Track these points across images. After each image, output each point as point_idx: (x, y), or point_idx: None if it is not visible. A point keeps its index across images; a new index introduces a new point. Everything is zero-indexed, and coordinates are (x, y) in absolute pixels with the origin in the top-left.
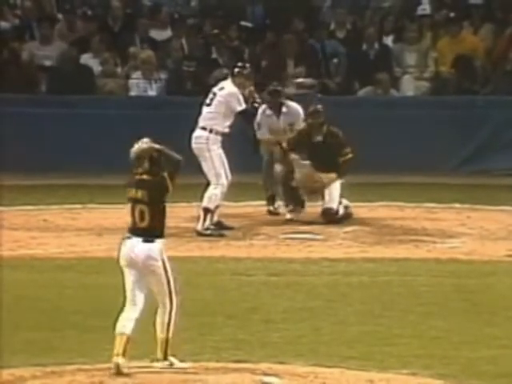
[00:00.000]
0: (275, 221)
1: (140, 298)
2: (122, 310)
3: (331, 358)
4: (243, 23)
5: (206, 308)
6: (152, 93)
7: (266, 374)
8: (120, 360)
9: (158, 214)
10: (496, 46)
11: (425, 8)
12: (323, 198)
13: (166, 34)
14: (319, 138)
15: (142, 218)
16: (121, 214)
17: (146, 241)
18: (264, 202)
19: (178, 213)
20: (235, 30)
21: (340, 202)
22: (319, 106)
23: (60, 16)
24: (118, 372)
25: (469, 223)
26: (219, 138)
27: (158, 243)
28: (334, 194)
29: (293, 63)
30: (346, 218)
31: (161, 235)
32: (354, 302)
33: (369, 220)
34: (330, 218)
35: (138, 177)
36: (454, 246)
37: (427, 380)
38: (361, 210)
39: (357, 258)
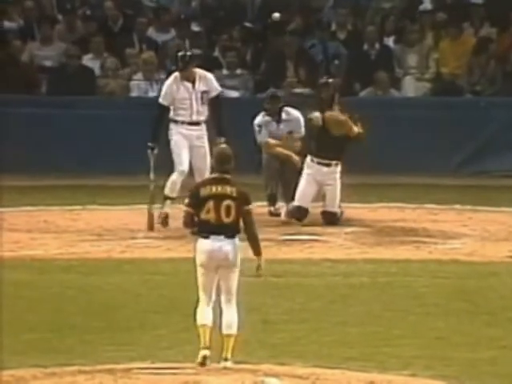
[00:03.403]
0: (276, 222)
1: (213, 293)
2: (196, 305)
3: (332, 359)
4: (242, 24)
5: None
6: (153, 94)
7: (266, 375)
8: (208, 352)
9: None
10: (498, 46)
11: (426, 7)
12: (323, 199)
13: (167, 35)
14: (335, 110)
15: (228, 213)
16: (121, 215)
17: (228, 237)
18: (264, 203)
19: (179, 214)
20: (237, 31)
21: (340, 206)
22: (329, 79)
23: (60, 17)
24: (203, 364)
25: (470, 224)
26: (174, 125)
27: (237, 239)
28: (336, 198)
29: (293, 66)
30: (341, 217)
31: (239, 231)
32: (355, 303)
33: (369, 221)
34: (332, 221)
35: (219, 175)
36: (455, 247)
37: (428, 381)
38: (361, 211)
39: (357, 259)
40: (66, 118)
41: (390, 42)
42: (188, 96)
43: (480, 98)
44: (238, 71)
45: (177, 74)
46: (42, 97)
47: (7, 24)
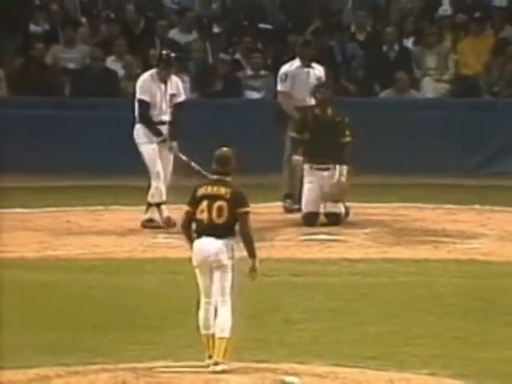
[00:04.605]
0: (295, 222)
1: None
2: (198, 309)
3: (351, 357)
4: (262, 26)
5: None
6: None
7: (286, 374)
8: (212, 361)
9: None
10: None
11: (446, 9)
12: (325, 198)
13: (189, 36)
14: (329, 112)
15: (219, 214)
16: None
17: (218, 237)
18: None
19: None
20: (257, 33)
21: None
22: (327, 81)
23: (83, 19)
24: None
25: (488, 224)
26: (141, 125)
27: (230, 239)
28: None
29: None
30: (345, 217)
31: (233, 233)
32: (374, 303)
33: (388, 221)
34: (334, 222)
35: (218, 176)
36: (474, 247)
37: (446, 380)
38: (381, 210)
39: (376, 258)
40: (89, 119)
41: (409, 43)
42: (159, 95)
43: (498, 99)
44: (262, 72)
45: (153, 71)
46: (65, 98)
47: (33, 27)
